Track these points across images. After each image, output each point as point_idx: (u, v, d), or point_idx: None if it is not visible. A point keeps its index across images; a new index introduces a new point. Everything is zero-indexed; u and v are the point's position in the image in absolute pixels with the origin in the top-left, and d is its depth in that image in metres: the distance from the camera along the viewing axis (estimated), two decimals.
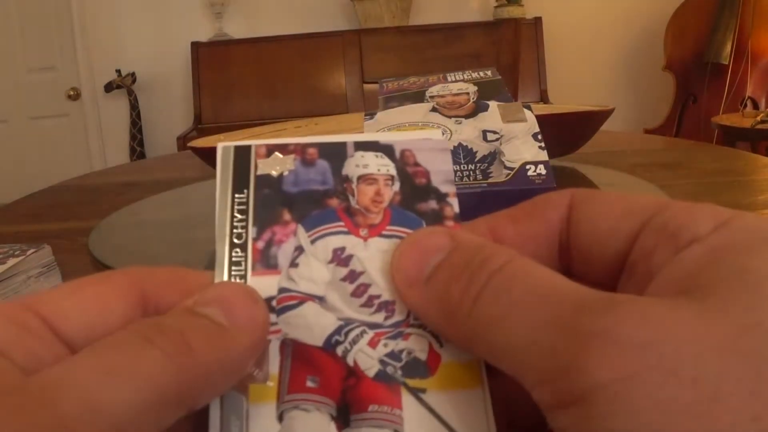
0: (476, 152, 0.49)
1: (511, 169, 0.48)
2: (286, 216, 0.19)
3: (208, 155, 0.73)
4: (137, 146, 3.05)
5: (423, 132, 0.21)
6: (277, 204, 0.19)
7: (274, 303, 0.18)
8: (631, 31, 3.03)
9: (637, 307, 0.13)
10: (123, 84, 3.00)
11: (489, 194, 0.47)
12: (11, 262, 0.47)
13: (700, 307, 0.13)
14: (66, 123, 3.17)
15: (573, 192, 0.19)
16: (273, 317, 0.17)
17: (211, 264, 0.18)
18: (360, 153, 0.20)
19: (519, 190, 0.47)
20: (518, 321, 0.14)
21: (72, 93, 3.12)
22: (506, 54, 2.54)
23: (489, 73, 0.59)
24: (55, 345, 0.16)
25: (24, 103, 3.13)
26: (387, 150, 0.20)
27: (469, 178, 0.48)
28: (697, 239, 0.15)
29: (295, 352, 0.17)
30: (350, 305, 0.18)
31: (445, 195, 0.19)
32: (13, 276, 0.47)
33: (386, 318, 0.18)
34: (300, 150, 0.20)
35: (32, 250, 0.49)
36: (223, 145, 0.20)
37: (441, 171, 0.20)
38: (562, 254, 0.19)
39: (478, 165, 0.48)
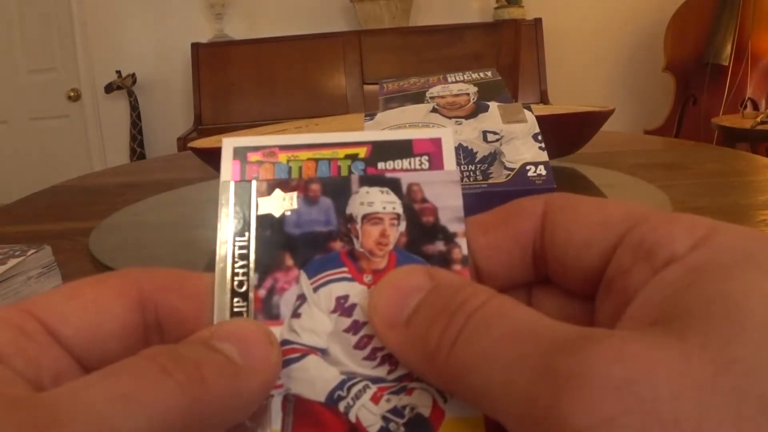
0: (476, 153, 0.49)
1: (512, 169, 0.48)
2: (288, 261, 0.18)
3: (209, 156, 0.73)
4: (137, 147, 3.05)
5: (433, 131, 0.20)
6: (279, 248, 0.18)
7: None
8: (631, 32, 3.03)
9: (613, 345, 0.13)
10: (123, 85, 3.00)
11: (489, 195, 0.47)
12: (11, 262, 0.47)
13: (678, 342, 0.13)
14: (66, 124, 3.18)
15: (547, 199, 0.18)
16: None
17: (210, 266, 0.18)
18: (365, 189, 0.19)
19: (519, 190, 0.47)
20: (495, 363, 0.14)
21: (72, 94, 3.12)
22: (506, 55, 2.54)
23: (489, 73, 0.59)
24: (53, 349, 0.16)
25: (24, 104, 3.13)
26: (393, 184, 0.19)
27: (469, 179, 0.48)
28: (675, 259, 0.15)
29: (297, 407, 0.17)
30: (353, 358, 0.17)
31: (454, 235, 0.18)
32: (14, 276, 0.47)
33: (389, 372, 0.17)
34: (302, 187, 0.19)
35: (32, 251, 0.49)
36: (223, 181, 0.19)
37: (450, 207, 0.19)
38: (537, 262, 0.18)
39: (479, 165, 0.48)
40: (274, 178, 0.20)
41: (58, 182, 1.03)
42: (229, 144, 0.20)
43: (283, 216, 0.19)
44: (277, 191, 0.19)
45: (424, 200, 0.19)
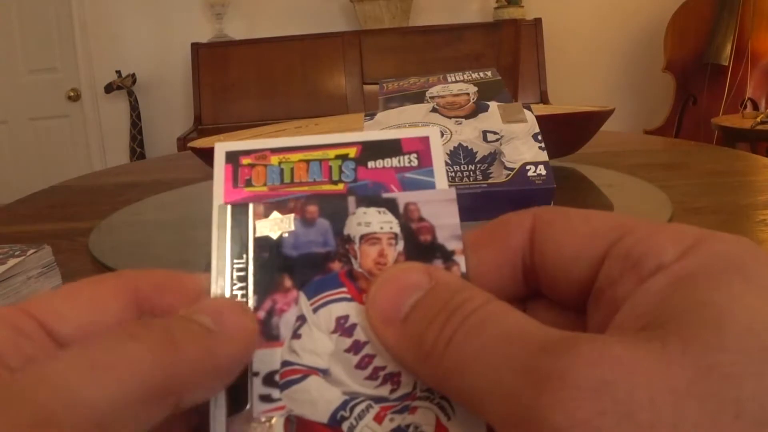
0: (476, 153, 0.49)
1: (511, 169, 0.48)
2: (287, 282, 0.18)
3: (208, 156, 0.73)
4: (137, 147, 3.05)
5: (421, 130, 0.20)
6: (277, 269, 0.18)
7: (277, 377, 0.17)
8: (631, 31, 3.03)
9: (595, 348, 0.13)
10: (123, 85, 3.00)
11: (489, 195, 0.47)
12: (11, 262, 0.47)
13: (660, 347, 0.13)
14: (66, 124, 3.17)
15: (535, 213, 0.18)
16: (277, 392, 0.17)
17: (209, 267, 0.18)
18: (362, 209, 0.19)
19: (519, 190, 0.47)
20: (485, 364, 0.14)
21: (72, 94, 3.12)
22: (506, 55, 2.54)
23: (489, 73, 0.59)
24: (50, 347, 0.16)
25: (24, 104, 3.13)
26: (390, 204, 0.19)
27: (469, 179, 0.48)
28: (661, 268, 0.15)
29: (299, 429, 0.17)
30: (355, 378, 0.17)
31: (452, 253, 0.18)
32: (13, 276, 0.47)
33: (392, 391, 0.17)
34: (299, 209, 0.19)
35: (32, 251, 0.49)
36: (219, 204, 0.19)
37: (447, 225, 0.19)
38: (528, 276, 0.18)
39: (478, 165, 0.48)
40: (266, 182, 0.20)
41: (58, 182, 1.03)
42: (221, 148, 0.20)
43: (280, 238, 0.19)
44: (275, 213, 0.19)
45: (421, 219, 0.19)
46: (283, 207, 0.19)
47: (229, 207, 0.19)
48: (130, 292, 0.18)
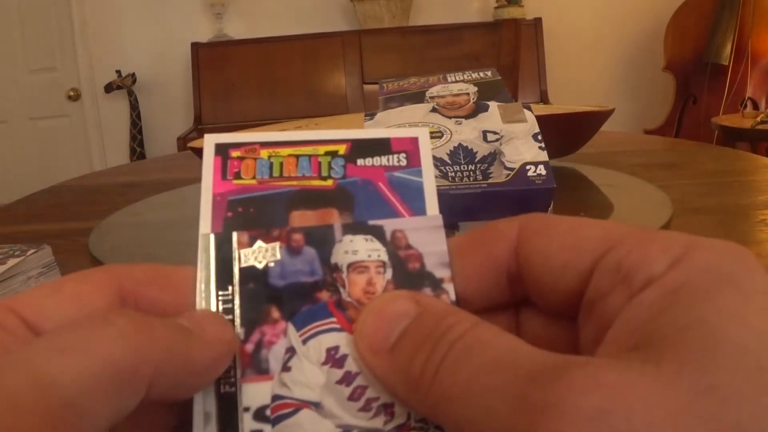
0: (476, 153, 0.49)
1: (511, 169, 0.48)
2: (275, 313, 0.18)
3: None
4: (137, 147, 3.05)
5: (410, 130, 0.20)
6: (265, 300, 0.18)
7: (268, 412, 0.17)
8: (631, 31, 3.03)
9: (589, 374, 0.13)
10: (123, 84, 3.00)
11: (489, 195, 0.47)
12: (11, 262, 0.47)
13: (655, 370, 0.13)
14: (66, 123, 3.17)
15: (522, 222, 0.18)
16: (268, 428, 0.17)
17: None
18: (348, 237, 0.19)
19: (519, 190, 0.47)
20: (476, 392, 0.14)
21: (72, 93, 3.12)
22: (506, 54, 2.54)
23: (489, 73, 0.59)
24: None
25: (24, 103, 3.13)
26: (376, 232, 0.19)
27: (469, 179, 0.48)
28: (652, 281, 0.15)
29: None
30: (348, 410, 0.17)
31: (441, 281, 0.18)
32: (13, 276, 0.47)
33: (386, 422, 0.17)
34: (285, 237, 0.19)
35: (32, 251, 0.49)
36: (202, 233, 0.19)
37: (435, 253, 0.19)
38: (514, 285, 0.18)
39: (478, 165, 0.48)
40: (255, 175, 0.20)
41: (58, 182, 1.03)
42: (210, 140, 0.20)
43: (266, 267, 0.18)
44: (259, 242, 0.19)
45: (409, 247, 0.19)
46: (267, 236, 0.19)
47: (212, 236, 0.19)
48: (114, 286, 0.18)
